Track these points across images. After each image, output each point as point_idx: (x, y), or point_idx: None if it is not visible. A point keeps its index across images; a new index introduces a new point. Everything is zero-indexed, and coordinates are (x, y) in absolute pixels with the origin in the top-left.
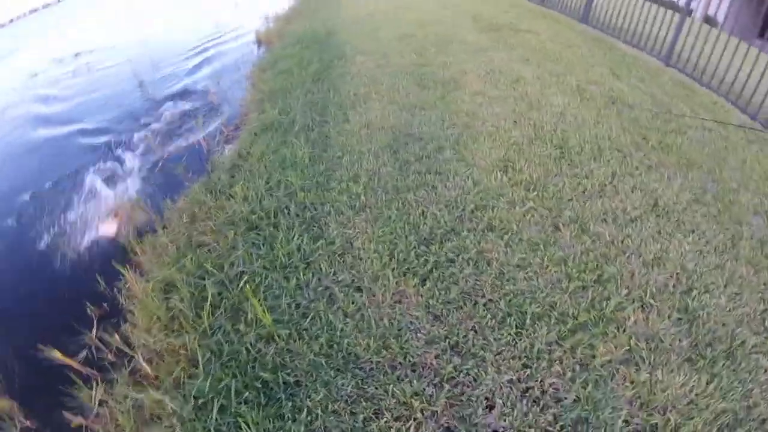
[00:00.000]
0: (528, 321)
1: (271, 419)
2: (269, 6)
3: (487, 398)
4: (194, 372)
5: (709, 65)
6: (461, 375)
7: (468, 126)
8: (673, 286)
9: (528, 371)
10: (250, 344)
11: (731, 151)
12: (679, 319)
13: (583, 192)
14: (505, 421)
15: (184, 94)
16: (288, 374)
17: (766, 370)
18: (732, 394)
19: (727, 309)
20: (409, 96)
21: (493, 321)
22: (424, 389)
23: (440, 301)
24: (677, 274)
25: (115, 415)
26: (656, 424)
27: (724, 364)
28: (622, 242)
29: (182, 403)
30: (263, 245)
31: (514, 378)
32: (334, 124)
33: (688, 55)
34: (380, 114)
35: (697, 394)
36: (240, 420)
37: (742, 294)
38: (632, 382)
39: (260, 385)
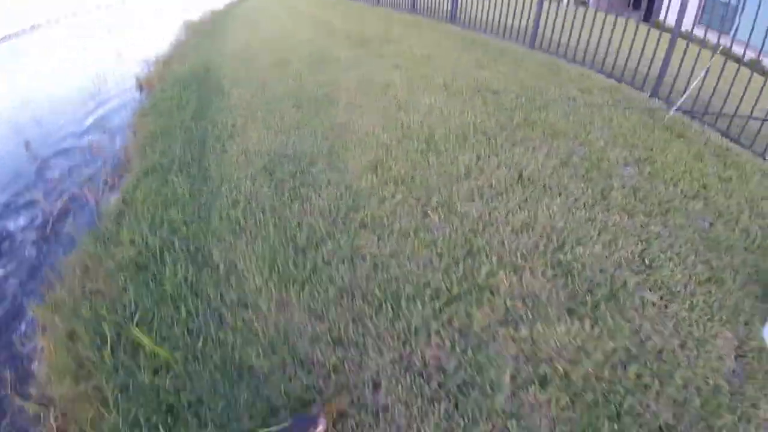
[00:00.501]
0: (403, 303)
1: None
2: (150, 50)
3: (373, 379)
4: (107, 411)
5: (572, 42)
6: (346, 364)
7: (340, 137)
8: (544, 245)
9: (408, 348)
10: (152, 374)
11: (597, 113)
12: (554, 274)
13: (449, 177)
14: (392, 396)
15: (68, 151)
16: (189, 394)
17: (654, 303)
18: (620, 333)
19: (604, 256)
20: (284, 118)
21: (371, 309)
22: (314, 383)
23: (320, 301)
24: (547, 234)
25: None
26: (545, 374)
27: (607, 307)
28: (490, 215)
29: None
30: (152, 282)
31: (395, 356)
32: (213, 156)
33: (551, 36)
34: (256, 140)
35: (583, 340)
36: None
37: (618, 240)
38: (514, 340)
39: (166, 409)
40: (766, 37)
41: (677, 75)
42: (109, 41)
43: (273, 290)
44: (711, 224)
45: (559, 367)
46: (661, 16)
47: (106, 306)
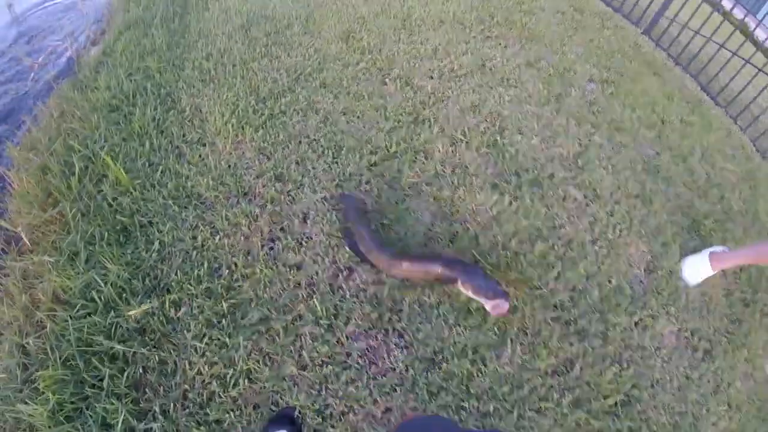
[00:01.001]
0: (343, 152)
1: (128, 254)
2: None
3: (303, 213)
4: (67, 232)
5: None
6: (282, 197)
7: (320, 4)
8: (485, 127)
9: (339, 189)
10: (112, 199)
11: (580, 31)
12: (488, 152)
13: (416, 55)
14: (316, 228)
15: (51, 9)
16: (142, 217)
17: (576, 199)
18: (536, 215)
19: (540, 148)
20: None
21: (314, 154)
22: (251, 211)
23: (270, 143)
24: (492, 118)
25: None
26: (456, 232)
27: (529, 190)
28: (443, 93)
29: (58, 257)
30: (123, 122)
31: (326, 196)
32: (195, 13)
33: None
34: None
35: (498, 211)
36: (103, 258)
37: (558, 138)
38: (435, 199)
39: (120, 229)
40: None
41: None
42: None
43: (231, 131)
44: (658, 154)
45: (471, 229)
46: None
47: (78, 141)
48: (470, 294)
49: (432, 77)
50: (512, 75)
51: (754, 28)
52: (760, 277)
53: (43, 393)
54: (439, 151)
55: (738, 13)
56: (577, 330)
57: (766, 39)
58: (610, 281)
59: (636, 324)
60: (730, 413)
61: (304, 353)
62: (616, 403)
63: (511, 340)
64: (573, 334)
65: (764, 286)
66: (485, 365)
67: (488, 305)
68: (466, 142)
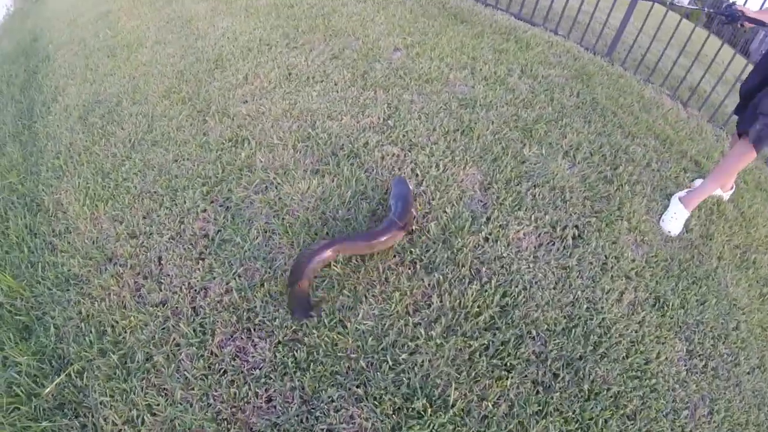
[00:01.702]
0: (179, 193)
1: (33, 345)
2: None
3: (158, 257)
4: None
5: None
6: (138, 250)
7: (145, 74)
8: (298, 126)
9: (183, 226)
10: (9, 305)
11: (382, 11)
12: (304, 146)
13: (229, 87)
14: (170, 264)
15: None
16: (36, 311)
17: (393, 155)
18: (358, 181)
19: (351, 125)
20: (98, 68)
21: (156, 204)
22: (117, 271)
23: (120, 209)
24: (303, 116)
25: None
26: (289, 223)
27: (348, 163)
28: (257, 111)
29: None
30: (2, 237)
31: (173, 234)
32: (41, 120)
33: None
34: (75, 94)
35: (323, 191)
36: (14, 356)
37: (366, 110)
38: (265, 202)
39: (22, 328)
40: None
41: None
42: None
43: (87, 212)
44: (472, 87)
45: (300, 215)
46: None
47: None
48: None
49: (246, 101)
50: (317, 72)
51: None
52: (615, 153)
53: None
54: (260, 161)
55: None
56: (423, 266)
57: None
58: (445, 212)
59: (486, 239)
60: (632, 283)
61: (187, 373)
62: (492, 317)
63: (364, 296)
64: (420, 270)
65: (624, 159)
66: (345, 327)
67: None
68: (283, 145)
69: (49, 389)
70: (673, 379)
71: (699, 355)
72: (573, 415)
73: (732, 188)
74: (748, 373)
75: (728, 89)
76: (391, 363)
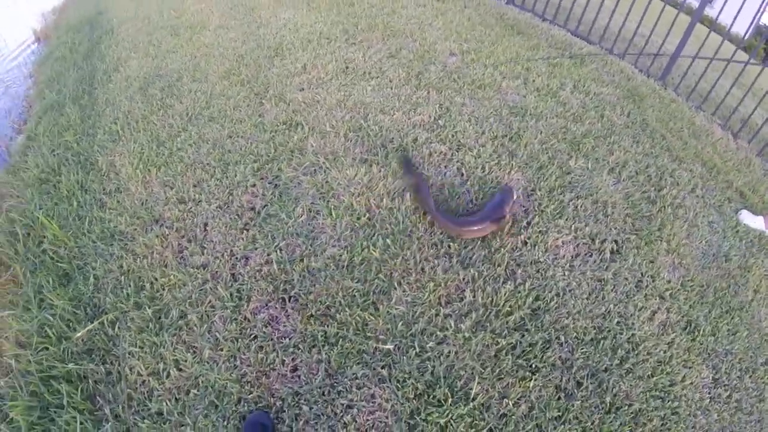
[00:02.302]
0: (230, 167)
1: (71, 292)
2: (46, 2)
3: (204, 223)
4: (19, 288)
5: None
6: (185, 215)
7: (206, 54)
8: (351, 117)
9: (231, 197)
10: (52, 252)
11: (441, 17)
12: (356, 136)
13: (287, 75)
14: (215, 231)
15: None
16: (78, 261)
17: (441, 152)
18: (394, 177)
19: (402, 121)
20: (161, 45)
21: (207, 175)
22: (163, 232)
23: (172, 176)
24: (356, 108)
25: None
26: (334, 206)
27: (396, 155)
28: (312, 99)
29: (14, 309)
30: (52, 190)
31: (221, 204)
32: (100, 87)
33: None
34: (137, 67)
35: (369, 179)
36: (50, 299)
37: (419, 108)
38: (312, 184)
39: (62, 275)
40: None
41: None
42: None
43: (139, 175)
44: (524, 97)
45: (345, 200)
46: None
47: (17, 213)
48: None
49: (302, 89)
50: (373, 68)
51: None
52: (661, 175)
53: (15, 422)
54: (312, 145)
55: None
56: (460, 260)
57: None
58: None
59: (525, 243)
60: (665, 304)
61: (218, 335)
62: (522, 318)
63: (398, 283)
64: (456, 264)
65: (669, 181)
66: (377, 309)
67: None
68: (335, 133)
69: (80, 333)
70: (696, 405)
71: (724, 385)
72: (592, 426)
73: None
74: None
75: None
76: (417, 349)
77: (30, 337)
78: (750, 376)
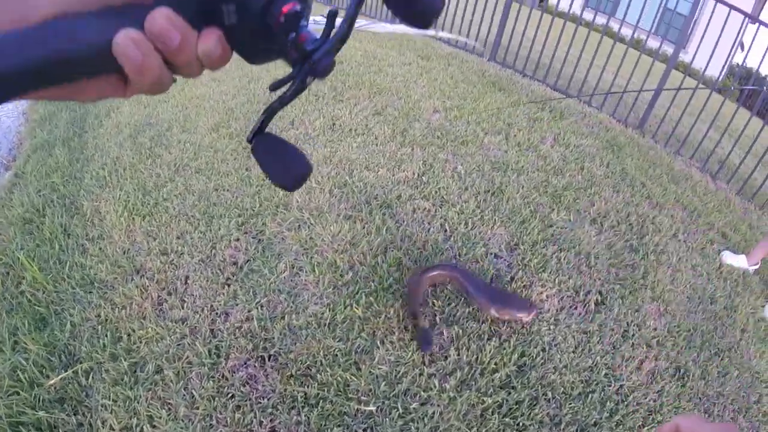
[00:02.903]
0: (215, 220)
1: (46, 337)
2: None
3: (185, 276)
4: None
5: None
6: (167, 266)
7: (197, 106)
8: (336, 172)
9: (213, 251)
10: (30, 295)
11: (425, 75)
12: (340, 192)
13: (276, 130)
14: (196, 285)
15: None
16: (56, 305)
17: (425, 209)
18: (387, 231)
19: (387, 177)
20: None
21: (191, 227)
22: (143, 283)
23: (156, 226)
24: (342, 164)
25: None
26: (317, 262)
27: (380, 212)
28: None
29: None
30: (35, 231)
31: (203, 257)
32: (91, 131)
33: None
34: (128, 114)
35: (353, 236)
36: (25, 342)
37: (403, 164)
38: (296, 240)
39: (39, 318)
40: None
41: (511, 37)
42: None
43: (123, 223)
44: (506, 152)
45: (329, 256)
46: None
47: None
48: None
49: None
50: (359, 125)
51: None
52: (642, 222)
53: None
54: (297, 201)
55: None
56: (444, 318)
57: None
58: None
59: None
60: (653, 352)
61: (194, 392)
62: (508, 376)
63: (381, 342)
64: (441, 323)
65: (651, 228)
66: (359, 369)
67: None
68: (320, 189)
69: (53, 381)
70: None
71: None
72: None
73: (758, 264)
74: None
75: (757, 161)
76: (401, 410)
77: (1, 380)
78: (744, 416)
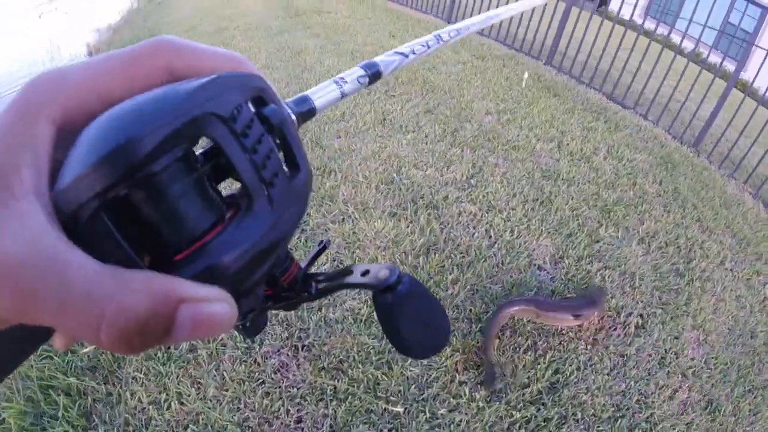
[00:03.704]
0: None
1: None
2: (102, 20)
3: None
4: None
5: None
6: None
7: None
8: (384, 168)
9: None
10: None
11: (480, 75)
12: (387, 188)
13: (326, 120)
14: None
15: None
16: None
17: (470, 213)
18: (432, 232)
19: (435, 177)
20: None
21: None
22: None
23: None
24: (390, 160)
25: None
26: (358, 255)
27: (425, 212)
28: (348, 147)
29: None
30: None
31: None
32: None
33: (465, 9)
34: None
35: (396, 234)
36: None
37: (452, 165)
38: (339, 233)
39: None
40: None
41: (569, 42)
42: (63, 13)
43: None
44: (557, 161)
45: (371, 252)
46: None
47: None
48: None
49: (339, 136)
50: (410, 122)
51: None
52: (690, 246)
53: (7, 424)
54: (343, 194)
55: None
56: (481, 327)
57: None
58: (511, 277)
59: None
60: (687, 382)
61: (225, 374)
62: (540, 392)
63: None
64: (477, 331)
65: (698, 253)
66: (391, 369)
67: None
68: (367, 184)
69: (88, 349)
70: None
71: None
72: None
73: None
74: None
75: None
76: (428, 415)
77: None
78: None
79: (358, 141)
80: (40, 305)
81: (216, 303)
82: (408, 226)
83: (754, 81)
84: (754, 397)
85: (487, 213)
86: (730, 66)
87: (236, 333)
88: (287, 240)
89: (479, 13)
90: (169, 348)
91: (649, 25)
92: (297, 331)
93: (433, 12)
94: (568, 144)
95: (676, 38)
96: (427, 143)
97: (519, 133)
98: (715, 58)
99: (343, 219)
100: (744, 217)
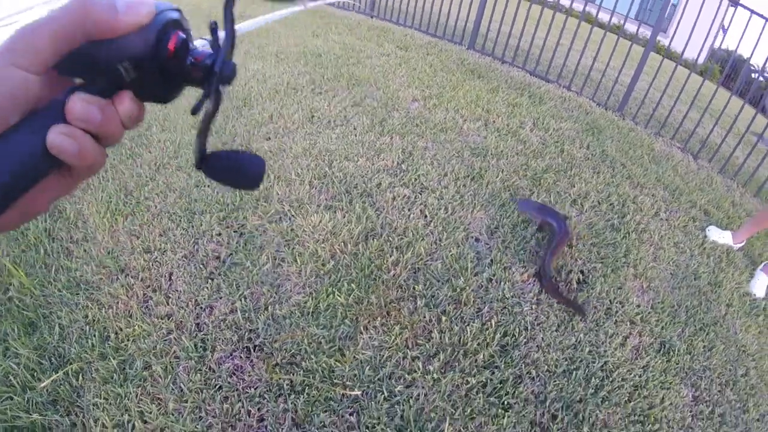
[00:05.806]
0: (196, 216)
1: (35, 341)
2: None
3: (168, 272)
4: None
5: (404, 6)
6: (151, 264)
7: (175, 105)
8: (316, 164)
9: (196, 246)
10: (18, 300)
11: (403, 65)
12: (320, 183)
13: (254, 124)
14: (180, 281)
15: None
16: (44, 309)
17: (404, 196)
18: (368, 219)
19: (366, 167)
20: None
21: (173, 224)
22: (128, 282)
23: (138, 225)
24: (321, 155)
25: None
26: (299, 251)
27: (360, 201)
28: (278, 148)
29: None
30: (20, 237)
31: (186, 254)
32: None
33: (386, 4)
34: None
35: (333, 225)
36: (15, 347)
37: (382, 154)
38: (277, 231)
39: (27, 323)
40: None
41: (489, 24)
42: None
43: (107, 224)
44: (485, 138)
45: (310, 246)
46: None
47: None
48: None
49: (269, 138)
50: (338, 117)
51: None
52: (623, 202)
53: None
54: (277, 193)
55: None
56: (426, 302)
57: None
58: (451, 252)
59: (489, 280)
60: (637, 328)
61: (182, 386)
62: (492, 356)
63: (364, 327)
64: (422, 307)
65: (632, 208)
66: (344, 355)
67: None
68: (300, 181)
69: (45, 383)
70: (678, 425)
71: (705, 401)
72: None
73: (743, 242)
74: (758, 420)
75: (738, 140)
76: (386, 394)
77: None
78: (731, 389)
79: (288, 140)
80: None
81: None
82: (344, 217)
83: (670, 43)
84: (707, 334)
85: (421, 194)
86: (647, 33)
87: (184, 342)
88: None
89: (397, 4)
90: (124, 368)
91: (565, 1)
92: (247, 333)
93: (356, 8)
94: (494, 121)
95: (592, 11)
96: (356, 135)
97: (446, 116)
98: (631, 27)
99: (280, 218)
100: (675, 170)
